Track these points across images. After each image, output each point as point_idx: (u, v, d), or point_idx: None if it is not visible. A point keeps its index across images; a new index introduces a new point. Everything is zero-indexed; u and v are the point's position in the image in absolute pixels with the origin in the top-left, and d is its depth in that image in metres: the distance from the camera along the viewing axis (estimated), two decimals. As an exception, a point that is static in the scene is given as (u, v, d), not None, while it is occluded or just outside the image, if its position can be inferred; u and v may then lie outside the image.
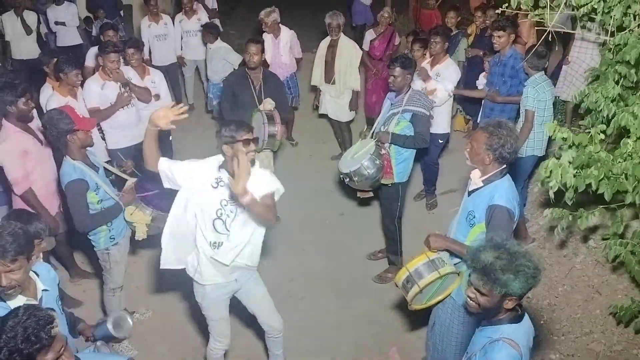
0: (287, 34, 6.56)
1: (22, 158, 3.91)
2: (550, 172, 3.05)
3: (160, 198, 3.92)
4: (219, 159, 3.12)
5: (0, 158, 3.88)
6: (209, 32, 6.86)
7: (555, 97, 5.29)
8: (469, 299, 2.21)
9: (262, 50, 5.04)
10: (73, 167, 3.44)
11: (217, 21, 8.88)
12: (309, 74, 7.23)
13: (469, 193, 3.08)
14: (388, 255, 4.84)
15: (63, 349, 2.00)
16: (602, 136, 3.05)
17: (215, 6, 8.96)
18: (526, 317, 2.24)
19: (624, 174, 3.04)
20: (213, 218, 3.09)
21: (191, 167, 3.13)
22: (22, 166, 3.91)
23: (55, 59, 4.72)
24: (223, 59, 6.78)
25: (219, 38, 6.95)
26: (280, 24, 6.49)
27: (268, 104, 4.84)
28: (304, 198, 5.82)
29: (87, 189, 3.47)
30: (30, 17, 7.71)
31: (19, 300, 2.35)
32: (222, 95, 5.19)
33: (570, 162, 3.03)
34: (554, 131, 3.09)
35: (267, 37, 6.44)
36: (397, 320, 4.39)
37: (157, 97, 5.40)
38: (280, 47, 6.50)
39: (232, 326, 3.61)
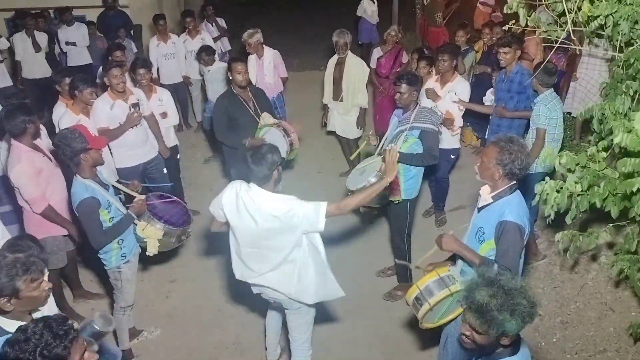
0: (269, 54, 6.51)
1: (36, 177, 3.94)
2: (547, 195, 2.98)
3: (171, 213, 3.96)
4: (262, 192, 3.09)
5: (16, 179, 3.91)
6: (205, 56, 6.80)
7: (564, 113, 5.28)
8: (464, 337, 2.15)
9: (247, 70, 5.10)
10: (84, 185, 3.46)
11: (225, 40, 9.03)
12: (312, 92, 7.28)
13: (479, 209, 3.06)
14: (397, 272, 4.80)
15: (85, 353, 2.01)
16: (604, 154, 3.00)
17: (224, 25, 9.09)
18: (524, 349, 2.18)
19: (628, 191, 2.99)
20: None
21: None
22: (38, 185, 3.94)
23: (69, 78, 4.76)
24: (225, 79, 6.83)
25: (217, 59, 6.98)
26: (263, 45, 6.48)
27: (268, 119, 4.88)
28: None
29: (99, 206, 3.48)
30: (40, 37, 7.90)
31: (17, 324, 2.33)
32: (215, 119, 5.14)
33: (576, 183, 2.98)
34: (550, 157, 3.00)
35: (252, 58, 6.41)
36: (408, 338, 4.34)
37: (165, 115, 5.45)
38: (264, 67, 6.47)
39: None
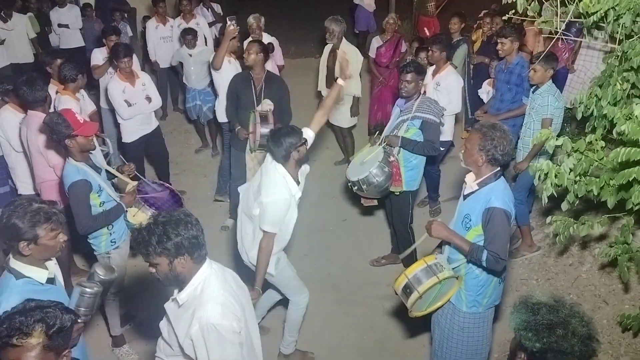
0: (269, 41, 6.40)
1: (58, 144, 4.00)
2: (546, 174, 3.01)
3: (162, 201, 3.92)
4: (281, 172, 3.58)
5: (42, 145, 4.08)
6: (190, 38, 6.55)
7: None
8: None
9: (260, 52, 4.92)
10: (76, 168, 3.41)
11: (220, 26, 8.90)
12: (307, 80, 7.19)
13: (465, 197, 3.07)
14: (402, 260, 4.77)
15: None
16: (602, 143, 3.00)
17: (220, 11, 8.96)
18: None
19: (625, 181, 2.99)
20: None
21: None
22: (60, 152, 4.05)
23: (60, 59, 4.74)
24: (208, 62, 6.72)
25: (199, 43, 6.82)
26: (262, 31, 6.36)
27: (266, 105, 4.82)
28: (307, 203, 5.75)
29: (90, 190, 3.42)
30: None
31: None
32: (227, 96, 5.20)
33: (571, 169, 2.99)
34: (547, 139, 3.04)
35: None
36: (399, 326, 4.34)
37: (149, 99, 5.43)
38: None
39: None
